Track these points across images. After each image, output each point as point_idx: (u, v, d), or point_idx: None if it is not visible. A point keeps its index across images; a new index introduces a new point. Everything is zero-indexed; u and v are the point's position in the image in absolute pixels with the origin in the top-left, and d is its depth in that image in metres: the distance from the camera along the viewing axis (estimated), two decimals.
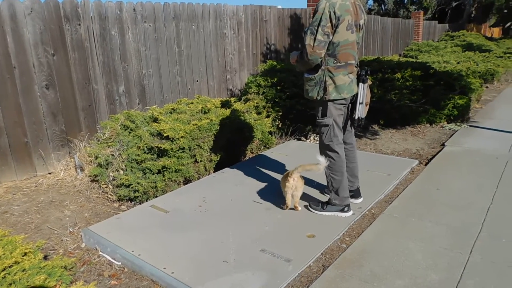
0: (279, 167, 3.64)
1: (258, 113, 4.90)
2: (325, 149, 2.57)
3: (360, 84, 2.49)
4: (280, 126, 4.84)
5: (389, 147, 4.49)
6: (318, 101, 2.49)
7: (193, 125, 3.41)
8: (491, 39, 17.20)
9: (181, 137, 3.28)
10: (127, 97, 4.48)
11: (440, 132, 5.03)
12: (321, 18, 2.29)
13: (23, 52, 3.54)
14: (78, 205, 3.10)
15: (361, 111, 2.57)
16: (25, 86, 3.57)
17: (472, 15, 20.64)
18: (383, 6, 21.25)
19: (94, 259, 2.31)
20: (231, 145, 3.90)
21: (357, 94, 2.52)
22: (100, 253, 2.34)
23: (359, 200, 2.82)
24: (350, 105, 2.61)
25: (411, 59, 9.09)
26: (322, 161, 2.47)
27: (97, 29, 4.10)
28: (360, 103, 2.54)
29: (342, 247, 2.29)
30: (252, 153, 4.32)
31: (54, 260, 1.88)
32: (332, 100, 2.45)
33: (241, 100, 5.20)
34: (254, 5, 6.15)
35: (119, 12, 4.27)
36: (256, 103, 4.80)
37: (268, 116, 4.81)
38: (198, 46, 5.25)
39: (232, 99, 4.33)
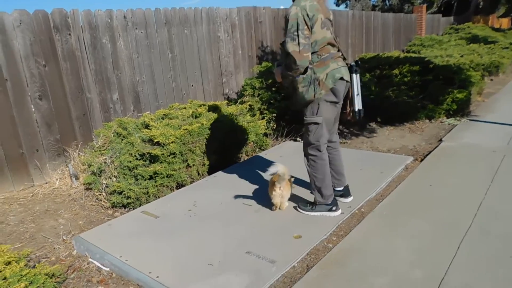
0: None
1: (253, 115, 4.90)
2: (309, 147, 2.55)
3: (353, 75, 2.48)
4: (275, 127, 4.83)
5: (385, 144, 4.44)
6: (313, 101, 2.45)
7: (184, 129, 3.42)
8: (498, 30, 16.89)
9: (172, 142, 3.29)
10: (121, 104, 4.52)
11: (439, 128, 4.97)
12: (297, 22, 2.29)
13: (14, 64, 3.59)
14: (73, 213, 3.13)
15: (359, 103, 2.56)
16: (18, 97, 3.63)
17: (480, 6, 20.28)
18: (387, 1, 21.08)
19: (84, 265, 2.33)
20: (225, 148, 3.90)
21: (351, 87, 2.50)
22: (90, 259, 2.36)
23: (349, 199, 2.79)
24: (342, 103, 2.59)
25: (413, 54, 8.99)
26: (278, 170, 2.53)
27: (87, 38, 4.14)
28: (357, 95, 2.53)
29: (328, 247, 2.27)
30: (247, 155, 4.32)
31: (37, 268, 1.90)
32: (327, 99, 2.42)
33: (237, 103, 5.22)
34: (247, 6, 6.15)
35: (109, 20, 4.32)
36: (249, 105, 4.80)
37: (263, 118, 4.80)
38: (192, 50, 5.27)
39: (225, 102, 4.34)
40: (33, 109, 3.75)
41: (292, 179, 2.83)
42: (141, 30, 4.64)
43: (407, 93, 5.38)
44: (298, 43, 2.28)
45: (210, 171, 3.73)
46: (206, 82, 5.55)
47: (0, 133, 3.53)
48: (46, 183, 3.73)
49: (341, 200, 2.76)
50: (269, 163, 3.78)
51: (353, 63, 2.49)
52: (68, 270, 2.30)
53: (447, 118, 5.30)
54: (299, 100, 2.48)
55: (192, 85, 5.35)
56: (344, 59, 2.53)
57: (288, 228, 2.45)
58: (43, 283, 1.83)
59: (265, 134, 4.68)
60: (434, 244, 2.18)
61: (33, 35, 3.71)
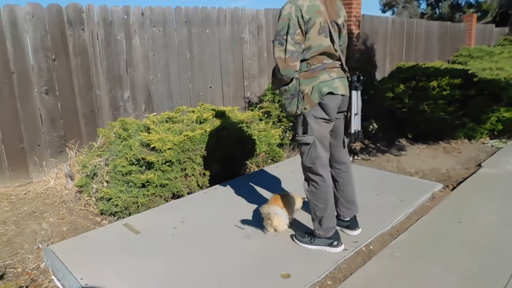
0: (278, 185, 3.28)
1: (273, 123, 4.57)
2: (307, 171, 2.18)
3: (353, 92, 2.11)
4: (291, 137, 4.45)
5: (414, 165, 3.94)
6: (297, 115, 2.11)
7: (184, 136, 3.15)
8: None
9: (168, 149, 3.03)
10: (132, 103, 4.35)
11: (480, 150, 4.37)
12: (288, 25, 1.95)
13: (22, 57, 3.50)
14: (59, 217, 2.95)
15: (357, 124, 2.18)
16: (23, 91, 3.54)
17: None
18: (437, 10, 19.96)
19: (45, 283, 2.11)
20: (230, 158, 3.60)
21: (350, 104, 2.14)
22: (52, 277, 2.14)
23: (356, 232, 2.37)
24: (344, 118, 2.22)
25: (459, 66, 8.23)
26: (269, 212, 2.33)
27: (101, 34, 4.00)
28: (355, 114, 2.15)
29: None
30: (258, 166, 3.98)
31: None
32: (315, 115, 2.06)
33: (257, 108, 4.91)
34: (276, 8, 5.83)
35: (125, 17, 4.16)
36: (266, 111, 4.47)
37: (280, 126, 4.46)
38: (213, 51, 5.02)
39: (236, 108, 4.03)
40: (38, 104, 3.65)
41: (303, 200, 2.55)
42: (159, 28, 4.45)
43: (445, 109, 4.81)
44: (285, 50, 1.94)
45: (214, 182, 3.43)
46: (226, 84, 5.28)
47: (2, 126, 3.44)
48: (43, 181, 3.61)
49: (347, 232, 2.36)
50: (275, 179, 3.46)
51: (354, 78, 2.10)
52: (28, 286, 2.09)
53: (491, 139, 4.68)
54: (284, 111, 2.17)
55: (211, 87, 5.09)
56: (345, 71, 2.15)
57: (278, 263, 2.09)
58: None
59: (280, 145, 4.32)
60: None
61: (45, 29, 3.61)
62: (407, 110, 5.04)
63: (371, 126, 4.74)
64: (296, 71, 2.00)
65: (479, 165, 3.73)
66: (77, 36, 3.83)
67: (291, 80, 2.04)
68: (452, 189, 3.14)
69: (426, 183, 3.24)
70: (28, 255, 2.41)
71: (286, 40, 1.94)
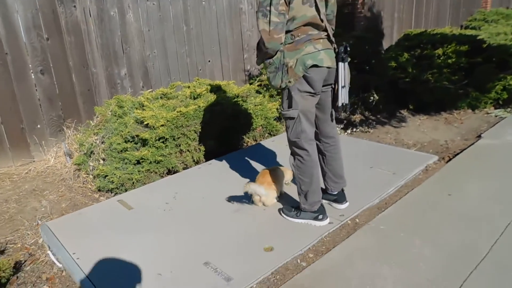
0: (273, 159, 3.29)
1: (271, 96, 4.54)
2: (292, 146, 2.18)
3: (340, 64, 2.06)
4: None
5: (413, 137, 3.88)
6: (282, 89, 2.09)
7: (177, 112, 3.16)
8: None
9: (161, 125, 3.05)
10: (130, 80, 4.34)
11: (482, 120, 4.26)
12: None
13: (15, 37, 3.50)
14: (58, 195, 3.05)
15: (344, 96, 2.14)
16: (19, 72, 3.56)
17: None
18: None
19: (42, 258, 2.21)
20: (226, 133, 3.61)
21: (337, 76, 2.09)
22: (48, 251, 2.24)
23: (344, 206, 2.39)
24: (331, 91, 2.19)
25: (471, 31, 7.90)
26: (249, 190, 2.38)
27: (94, 10, 3.95)
28: (342, 87, 2.11)
29: (301, 266, 1.93)
30: (255, 140, 3.99)
31: None
32: (300, 88, 2.03)
33: (256, 81, 4.87)
34: None
35: None
36: (261, 85, 4.42)
37: (278, 100, 4.41)
38: (210, 23, 4.92)
39: (232, 82, 3.99)
40: (35, 84, 3.68)
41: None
42: (153, 1, 4.37)
43: (449, 78, 4.66)
44: (269, 21, 1.88)
45: (210, 157, 3.47)
46: (225, 57, 5.21)
47: (0, 108, 3.50)
48: (44, 160, 3.70)
49: (334, 206, 2.38)
50: (271, 152, 3.47)
51: (341, 49, 2.03)
52: (26, 260, 2.20)
53: (495, 109, 4.55)
54: (269, 85, 2.14)
55: (209, 61, 5.04)
56: (332, 42, 2.09)
57: (263, 237, 2.14)
58: None
59: (278, 118, 4.30)
60: (429, 279, 1.76)
61: (35, 7, 3.58)
62: (410, 80, 4.90)
63: (371, 98, 4.65)
64: (281, 44, 1.96)
65: (479, 136, 3.65)
66: (69, 14, 3.79)
67: (276, 53, 2.00)
68: (448, 161, 3.11)
69: (421, 155, 3.21)
70: (27, 231, 2.52)
71: (270, 11, 1.88)
